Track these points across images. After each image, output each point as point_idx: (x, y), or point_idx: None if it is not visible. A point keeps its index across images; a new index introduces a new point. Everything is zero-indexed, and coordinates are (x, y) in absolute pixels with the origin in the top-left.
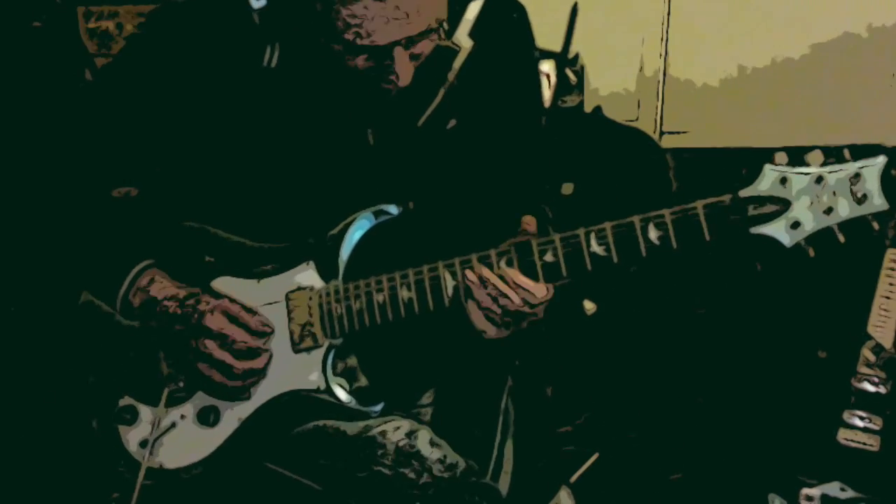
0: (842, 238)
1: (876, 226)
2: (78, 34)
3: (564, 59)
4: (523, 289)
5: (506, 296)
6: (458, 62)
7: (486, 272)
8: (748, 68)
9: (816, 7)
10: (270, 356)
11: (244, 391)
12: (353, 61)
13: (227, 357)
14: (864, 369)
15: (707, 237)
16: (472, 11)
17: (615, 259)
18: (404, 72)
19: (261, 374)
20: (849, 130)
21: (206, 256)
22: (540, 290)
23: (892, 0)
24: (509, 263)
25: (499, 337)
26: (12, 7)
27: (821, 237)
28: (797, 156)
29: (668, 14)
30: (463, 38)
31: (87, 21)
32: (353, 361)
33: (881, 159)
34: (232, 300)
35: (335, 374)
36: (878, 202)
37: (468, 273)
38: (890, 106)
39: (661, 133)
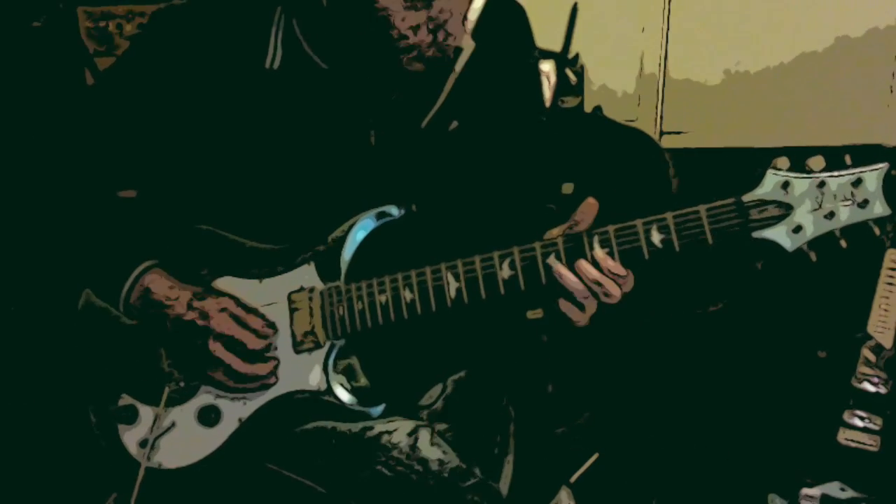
0: (843, 243)
1: (877, 231)
2: (78, 34)
3: (564, 59)
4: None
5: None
6: (460, 63)
7: (586, 266)
8: (748, 69)
9: (816, 7)
10: (279, 361)
11: (253, 392)
12: (409, 31)
13: (234, 361)
14: (864, 369)
15: (710, 241)
16: (473, 13)
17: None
18: (459, 28)
19: (269, 377)
20: (849, 131)
21: (205, 261)
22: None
23: (891, 1)
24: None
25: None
26: (12, 7)
27: (822, 242)
28: (798, 159)
29: (668, 14)
30: (464, 39)
31: (87, 21)
32: (354, 362)
33: (883, 165)
34: (236, 300)
35: (336, 374)
36: (879, 207)
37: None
38: (890, 106)
39: (661, 133)
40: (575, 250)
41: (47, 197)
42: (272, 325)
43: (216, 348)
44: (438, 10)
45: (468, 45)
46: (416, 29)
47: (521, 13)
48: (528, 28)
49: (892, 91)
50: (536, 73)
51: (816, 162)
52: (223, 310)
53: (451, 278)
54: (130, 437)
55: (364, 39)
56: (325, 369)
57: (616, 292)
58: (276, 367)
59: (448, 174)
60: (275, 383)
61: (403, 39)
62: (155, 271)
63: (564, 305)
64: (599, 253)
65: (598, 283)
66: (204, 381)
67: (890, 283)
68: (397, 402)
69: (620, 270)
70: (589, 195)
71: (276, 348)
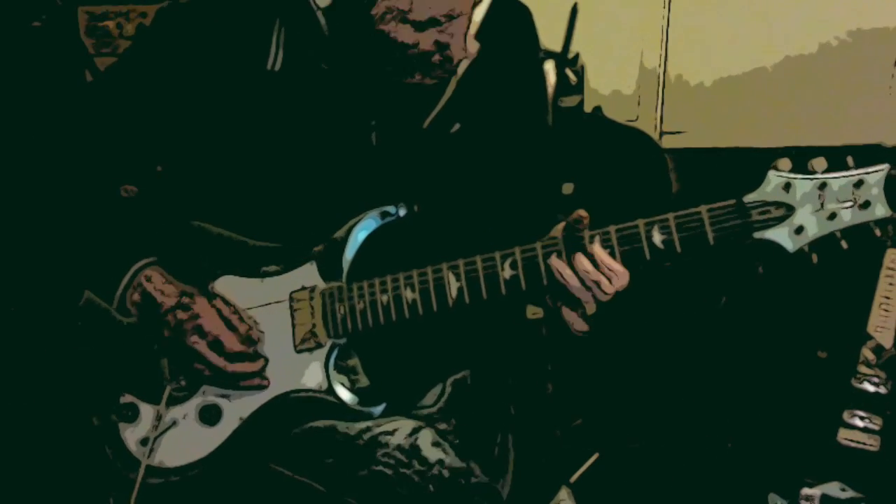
0: (845, 244)
1: (878, 232)
2: (78, 34)
3: (564, 59)
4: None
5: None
6: (463, 64)
7: (586, 262)
8: (748, 68)
9: (816, 7)
10: (266, 362)
11: (245, 389)
12: (416, 48)
13: (218, 360)
14: (864, 369)
15: (711, 241)
16: (478, 14)
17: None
18: (470, 40)
19: (254, 377)
20: (849, 130)
21: (206, 259)
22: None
23: (891, 1)
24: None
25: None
26: (12, 7)
27: (823, 243)
28: (800, 160)
29: (668, 14)
30: (469, 40)
31: (87, 21)
32: (355, 362)
33: (884, 166)
34: (226, 302)
35: (337, 374)
36: (880, 209)
37: (555, 262)
38: (890, 106)
39: (661, 133)
40: (576, 250)
41: (48, 196)
42: (260, 334)
43: (200, 345)
44: (443, 30)
45: (471, 47)
46: (424, 53)
47: (525, 13)
48: (532, 28)
49: (892, 91)
50: (541, 74)
51: (818, 163)
52: (212, 309)
53: (452, 278)
54: (131, 436)
55: (369, 61)
56: (325, 369)
57: (609, 289)
58: (262, 369)
59: (450, 174)
60: (266, 386)
61: (410, 60)
62: (152, 268)
63: (567, 314)
64: (597, 248)
65: (594, 280)
66: (194, 378)
67: (890, 283)
68: (398, 402)
69: (615, 266)
70: (589, 195)
71: (264, 353)
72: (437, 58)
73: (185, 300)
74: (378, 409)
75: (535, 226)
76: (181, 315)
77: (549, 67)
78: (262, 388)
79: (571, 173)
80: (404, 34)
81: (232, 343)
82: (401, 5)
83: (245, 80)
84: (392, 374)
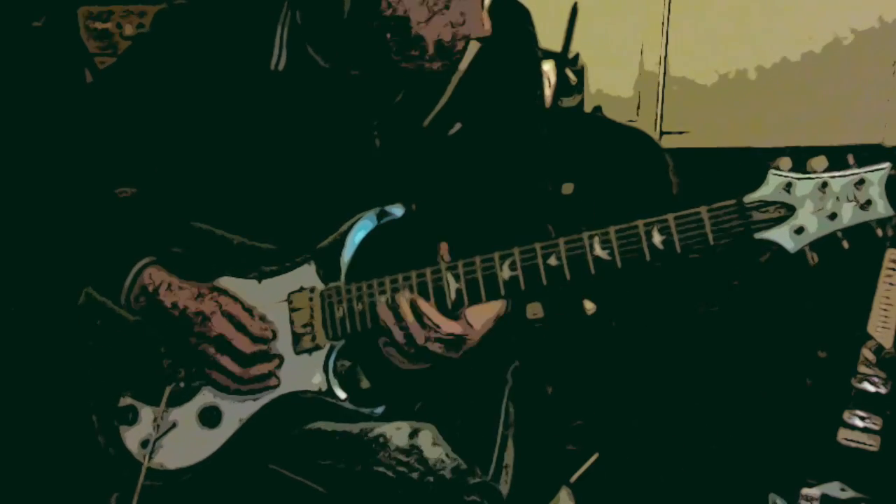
0: (846, 244)
1: (879, 232)
2: (78, 34)
3: (564, 59)
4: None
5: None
6: (463, 64)
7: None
8: (748, 68)
9: (817, 6)
10: (281, 361)
11: (254, 393)
12: (432, 36)
13: (230, 364)
14: (864, 369)
15: (711, 242)
16: None
17: (618, 263)
18: (486, 16)
19: (269, 379)
20: (849, 130)
21: (205, 260)
22: (450, 327)
23: (890, 1)
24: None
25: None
26: (12, 7)
27: (824, 243)
28: (800, 160)
29: (668, 14)
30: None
31: (87, 21)
32: (354, 363)
33: (885, 166)
34: (235, 300)
35: (337, 375)
36: (881, 208)
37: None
38: (891, 105)
39: (661, 133)
40: (575, 251)
41: (48, 196)
42: (273, 332)
43: (211, 351)
44: (458, 12)
45: (472, 45)
46: (439, 33)
47: (524, 14)
48: (531, 30)
49: (892, 91)
50: (540, 75)
51: (819, 162)
52: (221, 311)
53: (451, 279)
54: (132, 438)
55: (386, 46)
56: (325, 370)
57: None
58: (278, 366)
59: (450, 174)
60: (277, 385)
61: (426, 43)
62: (155, 267)
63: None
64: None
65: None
66: (206, 382)
67: (890, 283)
68: (397, 403)
69: (444, 325)
70: (589, 195)
71: (277, 350)
72: (449, 38)
73: (195, 302)
74: (378, 410)
75: (534, 226)
76: (189, 318)
77: (550, 67)
78: (273, 388)
79: (571, 173)
80: (421, 17)
81: (244, 344)
82: None
83: (247, 81)
84: (391, 375)
